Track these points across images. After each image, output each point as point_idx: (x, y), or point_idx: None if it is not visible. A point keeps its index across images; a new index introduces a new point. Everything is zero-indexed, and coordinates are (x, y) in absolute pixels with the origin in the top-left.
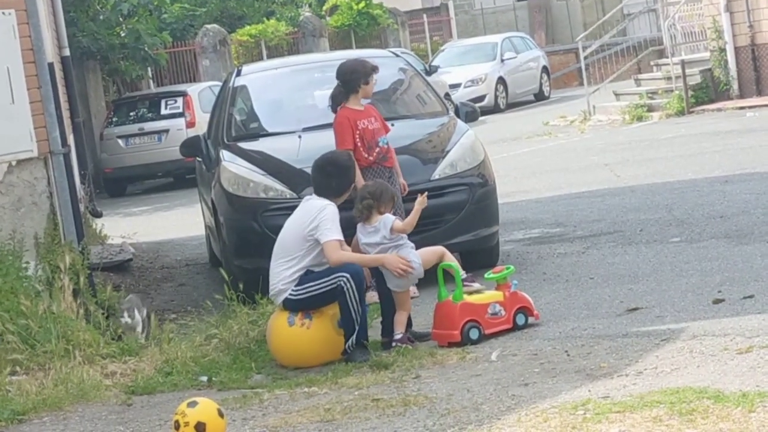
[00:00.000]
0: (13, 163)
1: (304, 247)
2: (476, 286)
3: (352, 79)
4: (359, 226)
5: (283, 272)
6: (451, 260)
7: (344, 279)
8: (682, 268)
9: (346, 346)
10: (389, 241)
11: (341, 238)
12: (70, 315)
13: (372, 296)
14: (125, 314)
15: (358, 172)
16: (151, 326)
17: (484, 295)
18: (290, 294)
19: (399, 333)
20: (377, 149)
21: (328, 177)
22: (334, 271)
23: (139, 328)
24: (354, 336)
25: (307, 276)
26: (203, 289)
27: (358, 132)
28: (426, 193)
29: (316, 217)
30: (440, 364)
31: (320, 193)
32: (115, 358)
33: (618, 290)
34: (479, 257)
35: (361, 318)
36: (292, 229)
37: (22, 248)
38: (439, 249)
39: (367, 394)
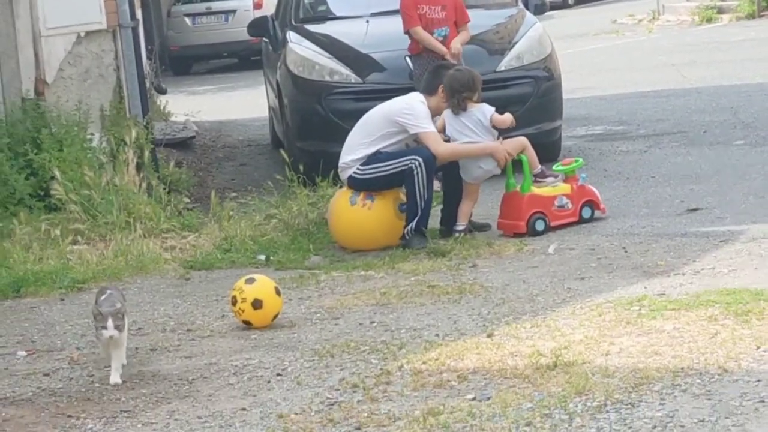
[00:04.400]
0: (82, 34)
1: (386, 130)
2: (549, 180)
3: None
4: (447, 112)
5: (357, 148)
6: (531, 153)
7: (416, 162)
8: (745, 171)
9: (405, 231)
10: (483, 129)
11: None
12: (133, 188)
13: (436, 185)
14: (109, 322)
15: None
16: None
17: (552, 187)
18: (356, 172)
19: (462, 224)
20: None
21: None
22: (405, 154)
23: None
24: (414, 222)
25: (375, 156)
26: (264, 169)
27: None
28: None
29: (412, 107)
30: (497, 254)
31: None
32: (174, 232)
33: (679, 190)
34: (541, 151)
35: (425, 204)
36: (382, 109)
37: (88, 119)
38: (522, 141)
39: (423, 281)
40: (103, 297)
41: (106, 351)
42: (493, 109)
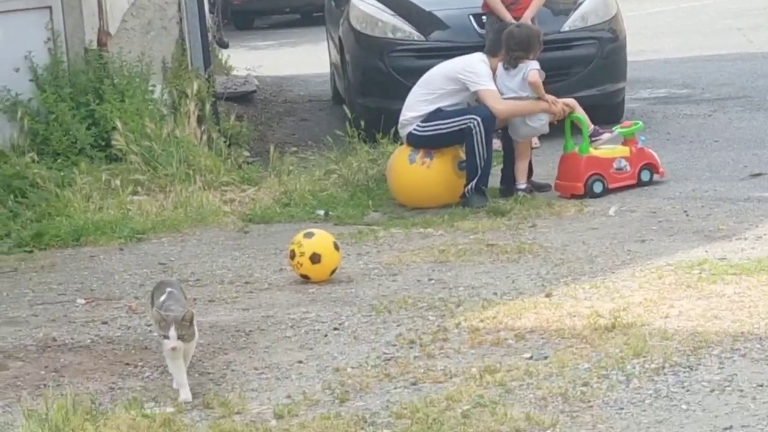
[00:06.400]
0: None
1: (447, 88)
2: (605, 137)
3: None
4: (500, 66)
5: (417, 105)
6: (581, 113)
7: (475, 121)
8: None
9: (465, 190)
10: (525, 86)
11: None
12: (193, 141)
13: (496, 144)
14: (170, 330)
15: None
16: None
17: (611, 149)
18: (416, 128)
19: (523, 183)
20: None
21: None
22: (465, 112)
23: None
24: (475, 181)
25: (436, 113)
26: (325, 125)
27: None
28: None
29: (473, 65)
30: (557, 215)
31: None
32: (234, 185)
33: (742, 155)
34: (604, 113)
35: (485, 163)
36: (444, 67)
37: (150, 71)
38: (569, 102)
39: (482, 239)
40: (162, 297)
41: (170, 361)
42: (537, 67)
